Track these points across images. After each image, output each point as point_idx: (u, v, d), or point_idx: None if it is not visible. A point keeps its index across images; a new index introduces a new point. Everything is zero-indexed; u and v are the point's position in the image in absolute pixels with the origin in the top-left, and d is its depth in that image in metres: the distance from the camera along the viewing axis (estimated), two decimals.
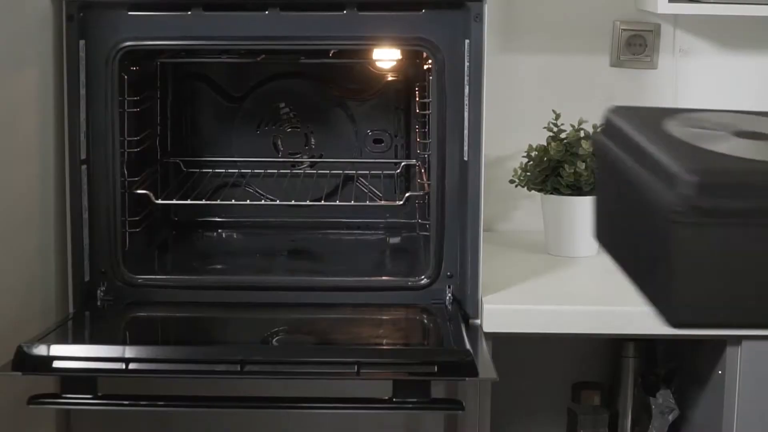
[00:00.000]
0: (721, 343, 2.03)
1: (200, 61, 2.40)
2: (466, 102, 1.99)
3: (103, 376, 1.76)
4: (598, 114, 1.17)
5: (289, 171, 2.44)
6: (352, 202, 2.32)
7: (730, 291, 0.90)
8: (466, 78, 1.98)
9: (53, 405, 1.81)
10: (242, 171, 2.43)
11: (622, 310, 2.00)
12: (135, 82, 2.17)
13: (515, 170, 2.33)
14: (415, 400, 1.76)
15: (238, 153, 2.45)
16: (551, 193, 2.30)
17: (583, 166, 2.24)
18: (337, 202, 2.35)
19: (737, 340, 2.01)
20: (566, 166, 2.26)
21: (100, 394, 1.76)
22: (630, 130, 1.01)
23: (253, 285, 2.11)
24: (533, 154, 2.32)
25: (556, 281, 2.18)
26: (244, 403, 1.90)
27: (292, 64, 2.38)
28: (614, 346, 2.38)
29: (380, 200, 2.39)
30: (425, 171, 2.25)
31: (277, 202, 2.37)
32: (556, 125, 2.32)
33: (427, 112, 2.16)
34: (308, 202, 2.35)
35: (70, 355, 1.77)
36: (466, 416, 2.08)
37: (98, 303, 2.06)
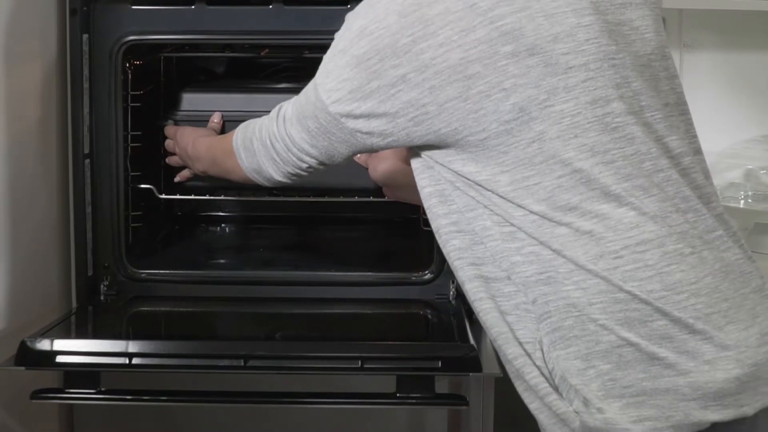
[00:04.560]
0: None
1: (204, 55, 2.39)
2: None
3: (106, 370, 1.76)
4: None
5: None
6: (356, 198, 2.31)
7: None
8: None
9: (56, 399, 1.81)
10: None
11: None
12: (138, 76, 2.17)
13: None
14: (418, 395, 1.76)
15: None
16: None
17: None
18: (341, 198, 2.33)
19: None
20: None
21: (103, 388, 1.76)
22: None
23: (256, 280, 2.10)
24: None
25: None
26: (247, 398, 1.90)
27: (296, 58, 2.38)
28: None
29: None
30: None
31: (281, 197, 2.36)
32: None
33: None
34: (312, 198, 2.35)
35: (73, 349, 1.77)
36: (470, 412, 2.08)
37: (101, 297, 2.05)
